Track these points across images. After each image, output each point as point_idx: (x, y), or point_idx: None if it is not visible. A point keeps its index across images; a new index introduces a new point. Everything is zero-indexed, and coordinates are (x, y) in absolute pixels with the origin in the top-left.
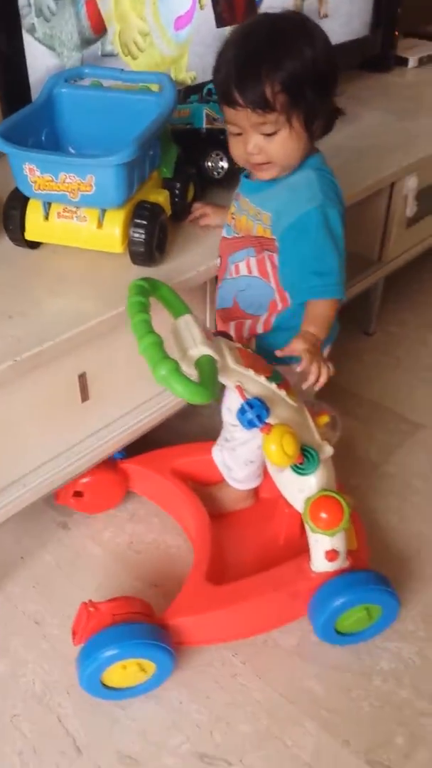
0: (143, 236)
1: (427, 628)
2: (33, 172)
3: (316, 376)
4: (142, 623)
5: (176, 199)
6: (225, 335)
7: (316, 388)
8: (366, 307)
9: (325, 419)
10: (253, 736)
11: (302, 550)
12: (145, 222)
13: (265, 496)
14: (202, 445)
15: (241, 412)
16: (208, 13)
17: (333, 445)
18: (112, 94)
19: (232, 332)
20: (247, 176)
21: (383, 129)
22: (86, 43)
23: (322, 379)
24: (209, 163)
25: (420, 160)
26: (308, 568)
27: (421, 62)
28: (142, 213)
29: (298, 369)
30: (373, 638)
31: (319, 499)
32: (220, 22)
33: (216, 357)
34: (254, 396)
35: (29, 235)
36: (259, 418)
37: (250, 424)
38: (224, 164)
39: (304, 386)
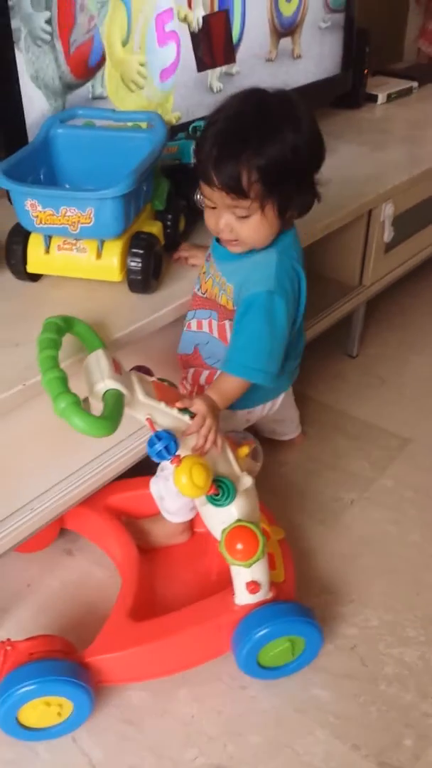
0: (140, 265)
1: (428, 633)
2: (35, 207)
3: (203, 441)
4: (59, 660)
5: (168, 230)
6: (143, 369)
7: (200, 452)
8: (348, 330)
9: (245, 450)
10: (265, 746)
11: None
12: (141, 251)
13: (199, 531)
14: (137, 480)
15: (150, 444)
16: (189, 59)
17: (254, 476)
18: (104, 133)
19: (189, 378)
20: (218, 240)
21: (358, 160)
22: (68, 87)
23: (207, 446)
24: (198, 196)
25: (394, 187)
26: (231, 601)
27: (390, 98)
28: (138, 243)
29: (187, 432)
30: (376, 646)
31: (234, 529)
32: (201, 66)
33: (123, 390)
34: (164, 429)
35: (31, 268)
36: (168, 449)
37: (158, 456)
38: None
39: (184, 450)
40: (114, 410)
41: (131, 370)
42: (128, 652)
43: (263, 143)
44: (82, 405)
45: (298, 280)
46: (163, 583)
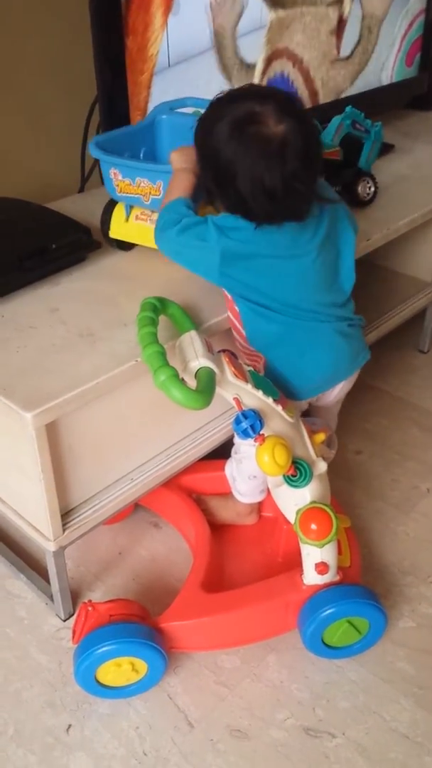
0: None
1: None
2: (116, 176)
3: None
4: (137, 623)
5: None
6: (229, 353)
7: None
8: (421, 326)
9: (321, 437)
10: (353, 712)
11: (298, 565)
12: None
13: (266, 515)
14: (210, 463)
15: (236, 422)
16: None
17: (328, 462)
18: None
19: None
20: None
21: None
22: None
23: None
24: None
25: None
26: (300, 581)
27: None
28: None
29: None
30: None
31: (310, 510)
32: None
33: (215, 369)
34: (250, 408)
35: (112, 234)
36: (253, 428)
37: (244, 434)
38: None
39: (268, 430)
40: (208, 386)
41: (219, 352)
42: (200, 621)
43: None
44: (179, 378)
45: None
46: (233, 561)
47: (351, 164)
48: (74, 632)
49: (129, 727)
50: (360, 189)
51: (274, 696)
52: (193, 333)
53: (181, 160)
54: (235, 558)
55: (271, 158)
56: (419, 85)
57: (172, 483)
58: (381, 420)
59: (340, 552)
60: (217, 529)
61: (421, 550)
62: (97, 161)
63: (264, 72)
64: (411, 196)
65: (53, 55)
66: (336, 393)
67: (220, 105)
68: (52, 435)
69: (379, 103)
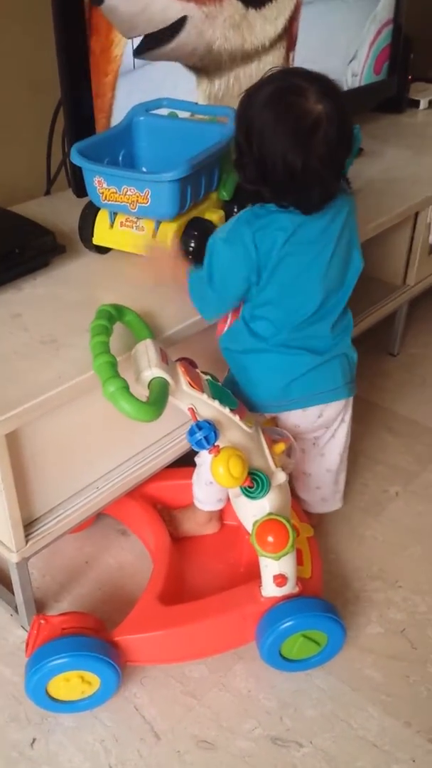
0: (190, 248)
1: None
2: (101, 184)
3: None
4: (88, 637)
5: None
6: (188, 361)
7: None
8: (390, 329)
9: (281, 447)
10: (321, 720)
11: (259, 576)
12: (195, 233)
13: (229, 524)
14: (175, 471)
15: (190, 432)
16: None
17: (288, 473)
18: (182, 124)
19: None
20: None
21: (403, 163)
22: None
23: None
24: None
25: None
26: (258, 593)
27: (431, 104)
28: (192, 226)
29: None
30: (425, 630)
31: (266, 522)
32: None
33: (169, 379)
34: (205, 419)
35: (96, 240)
36: (207, 439)
37: (198, 445)
38: None
39: (223, 441)
40: (159, 397)
41: (177, 361)
42: (155, 635)
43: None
44: (130, 390)
45: (259, 242)
46: (193, 571)
47: None
48: (27, 644)
49: (94, 740)
50: None
51: (241, 706)
52: (148, 342)
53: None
54: (196, 568)
55: (301, 133)
56: (388, 88)
57: (134, 491)
58: (352, 425)
59: (300, 563)
60: (180, 539)
61: (390, 555)
62: (62, 162)
63: None
64: (381, 200)
65: (17, 56)
66: (313, 420)
67: (270, 76)
68: (14, 444)
69: (350, 106)
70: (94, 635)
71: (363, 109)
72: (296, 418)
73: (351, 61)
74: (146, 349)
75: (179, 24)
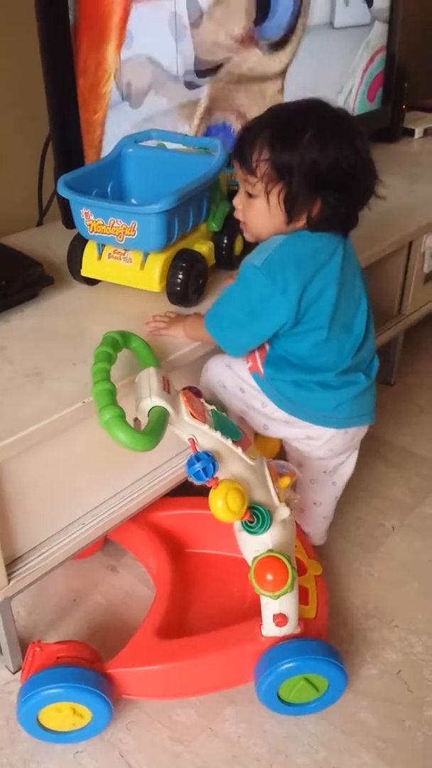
0: (178, 279)
1: None
2: (88, 216)
3: (152, 323)
4: (82, 668)
5: (223, 252)
6: (193, 390)
7: (148, 329)
8: (387, 358)
9: (286, 481)
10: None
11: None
12: (183, 265)
13: (238, 556)
14: (184, 500)
15: (189, 464)
16: None
17: (293, 508)
18: (171, 155)
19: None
20: None
21: (398, 193)
22: None
23: (147, 328)
24: None
25: None
26: (258, 632)
27: (426, 133)
28: (181, 258)
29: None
30: (421, 672)
31: (265, 559)
32: None
33: (168, 409)
34: (205, 450)
35: (84, 272)
36: (205, 471)
37: (196, 477)
38: None
39: (223, 474)
40: (156, 427)
41: (182, 390)
42: (150, 669)
43: (286, 135)
44: (126, 419)
45: (304, 272)
46: (197, 604)
47: None
48: (22, 671)
49: None
50: None
51: (230, 752)
52: (151, 370)
53: (179, 328)
54: (199, 601)
55: (350, 133)
56: (383, 118)
57: (142, 520)
58: None
59: (305, 602)
60: (186, 569)
61: (386, 592)
62: (53, 194)
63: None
64: (375, 229)
65: (8, 86)
66: (346, 441)
67: (334, 119)
68: None
69: None
70: (88, 666)
71: None
72: (333, 437)
73: (343, 89)
74: (148, 378)
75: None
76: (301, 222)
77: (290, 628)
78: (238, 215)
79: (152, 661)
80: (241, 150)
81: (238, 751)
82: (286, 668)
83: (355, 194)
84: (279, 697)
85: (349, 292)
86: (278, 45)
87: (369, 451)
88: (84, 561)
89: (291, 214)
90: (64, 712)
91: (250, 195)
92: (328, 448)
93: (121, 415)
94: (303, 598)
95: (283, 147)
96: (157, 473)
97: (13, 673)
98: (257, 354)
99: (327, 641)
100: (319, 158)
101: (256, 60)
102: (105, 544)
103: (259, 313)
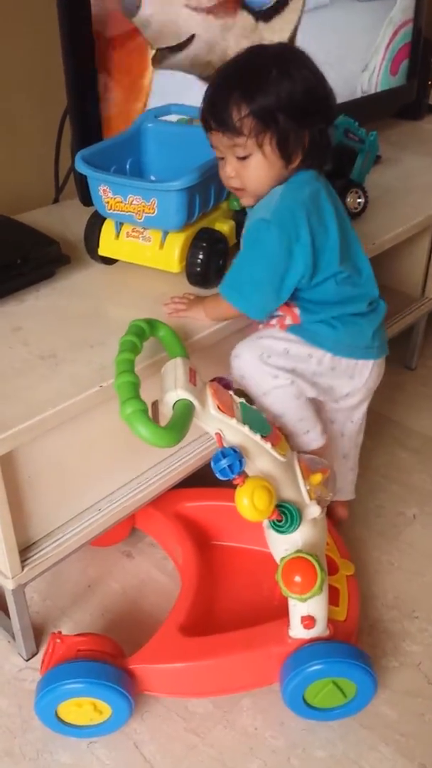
0: (199, 259)
1: None
2: (106, 193)
3: (171, 304)
4: (103, 663)
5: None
6: (223, 381)
7: (167, 311)
8: (408, 342)
9: (318, 478)
10: (330, 761)
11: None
12: (204, 245)
13: (267, 551)
14: (213, 491)
15: (215, 460)
16: None
17: (324, 506)
18: (192, 130)
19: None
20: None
21: (422, 171)
22: None
23: (166, 309)
24: None
25: None
26: (286, 633)
27: None
28: (201, 237)
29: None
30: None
31: (294, 560)
32: None
33: (194, 402)
34: (232, 445)
35: (102, 251)
36: (231, 468)
37: (222, 474)
38: None
39: (251, 470)
40: (180, 421)
41: (210, 381)
42: (173, 667)
43: (253, 89)
44: (149, 413)
45: (311, 217)
46: (225, 600)
47: (342, 175)
48: (42, 662)
49: None
50: (349, 200)
51: (246, 744)
52: (178, 360)
53: (200, 310)
54: (226, 597)
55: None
56: (408, 94)
57: (170, 512)
58: (364, 440)
59: (336, 603)
60: (214, 562)
61: (407, 582)
62: (71, 169)
63: None
64: (397, 209)
65: (25, 59)
66: (362, 392)
67: (279, 53)
68: (9, 466)
69: (367, 112)
70: (111, 662)
71: (382, 115)
72: (371, 371)
73: (368, 66)
74: (174, 369)
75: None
76: (298, 159)
77: (319, 631)
78: (232, 183)
79: (175, 659)
80: (217, 119)
81: (254, 743)
82: (314, 670)
83: (329, 115)
84: (305, 700)
85: (346, 231)
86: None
87: (388, 436)
88: (99, 548)
89: (288, 155)
90: (84, 707)
91: (241, 158)
92: (367, 387)
93: (144, 410)
94: (333, 599)
95: (257, 94)
96: (175, 458)
97: (27, 660)
98: (283, 310)
99: (357, 644)
100: (292, 88)
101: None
102: (131, 533)
103: (280, 268)
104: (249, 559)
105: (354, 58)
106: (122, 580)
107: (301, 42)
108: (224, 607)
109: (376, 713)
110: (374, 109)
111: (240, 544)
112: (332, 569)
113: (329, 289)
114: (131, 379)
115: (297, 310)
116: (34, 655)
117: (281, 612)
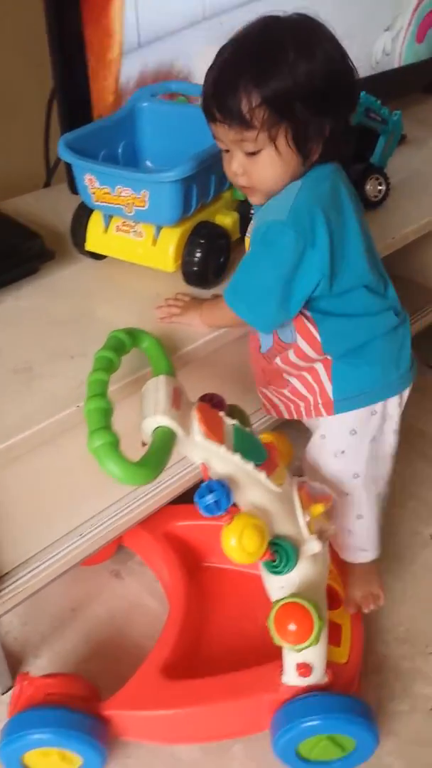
0: (196, 257)
1: None
2: (92, 183)
3: (164, 308)
4: (73, 710)
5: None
6: (214, 399)
7: (160, 315)
8: (430, 339)
9: (319, 509)
10: None
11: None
12: (202, 241)
13: None
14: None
15: (199, 494)
16: None
17: (326, 540)
18: (194, 110)
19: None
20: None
21: None
22: None
23: (158, 313)
24: None
25: None
26: (278, 679)
27: None
28: (199, 233)
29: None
30: None
31: (288, 605)
32: None
33: (176, 429)
34: (220, 477)
35: (89, 246)
36: (218, 504)
37: (207, 510)
38: None
39: (240, 504)
40: (156, 455)
41: (199, 399)
42: (152, 714)
43: (265, 72)
44: (119, 447)
45: (331, 218)
46: (216, 636)
47: (362, 158)
48: (9, 704)
49: None
50: (369, 188)
51: None
52: (161, 379)
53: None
54: (217, 625)
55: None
56: None
57: (158, 532)
58: None
59: (337, 643)
60: (204, 586)
61: (421, 613)
62: None
63: None
64: (423, 196)
65: (16, 31)
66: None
67: (295, 30)
68: None
69: (391, 87)
70: (82, 708)
71: (409, 90)
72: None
73: (390, 26)
74: (156, 390)
75: None
76: (317, 153)
77: (315, 678)
78: (239, 181)
79: (155, 705)
80: (223, 109)
81: None
82: (308, 726)
83: (353, 99)
84: (298, 753)
85: (366, 230)
86: None
87: (406, 445)
88: (84, 567)
89: (306, 150)
90: (51, 758)
91: (250, 153)
92: (394, 423)
93: (114, 443)
94: (334, 637)
95: (271, 78)
96: (166, 475)
97: (1, 694)
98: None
99: (358, 692)
100: (312, 69)
101: None
102: (118, 551)
103: (293, 275)
104: (243, 582)
105: (377, 22)
106: (109, 603)
107: None
108: (214, 639)
109: (381, 764)
110: (401, 83)
111: (234, 566)
112: (334, 602)
113: (358, 299)
114: (101, 405)
115: (316, 334)
116: (9, 689)
117: (274, 653)
